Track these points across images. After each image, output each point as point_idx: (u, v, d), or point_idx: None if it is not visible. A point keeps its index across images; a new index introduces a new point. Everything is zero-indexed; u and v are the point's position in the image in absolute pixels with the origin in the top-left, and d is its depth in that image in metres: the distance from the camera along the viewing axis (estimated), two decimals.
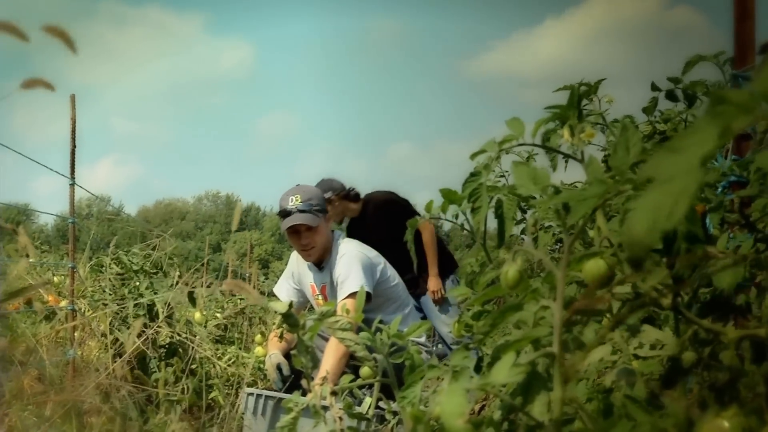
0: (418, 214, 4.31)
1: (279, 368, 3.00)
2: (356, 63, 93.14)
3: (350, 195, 4.17)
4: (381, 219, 4.14)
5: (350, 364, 2.78)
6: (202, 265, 4.03)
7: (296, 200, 3.04)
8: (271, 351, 3.10)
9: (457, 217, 1.24)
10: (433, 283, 4.18)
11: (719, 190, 1.31)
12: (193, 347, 3.40)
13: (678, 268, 0.83)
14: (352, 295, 2.93)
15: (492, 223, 1.06)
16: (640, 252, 0.51)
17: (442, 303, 4.22)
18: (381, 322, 1.45)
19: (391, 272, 3.21)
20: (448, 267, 4.35)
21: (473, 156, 1.05)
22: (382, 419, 1.82)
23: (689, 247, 0.84)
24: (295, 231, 3.06)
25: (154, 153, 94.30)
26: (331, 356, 2.77)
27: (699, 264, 0.85)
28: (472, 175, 1.05)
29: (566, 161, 1.22)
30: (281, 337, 2.15)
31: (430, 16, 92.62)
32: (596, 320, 0.91)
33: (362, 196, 4.32)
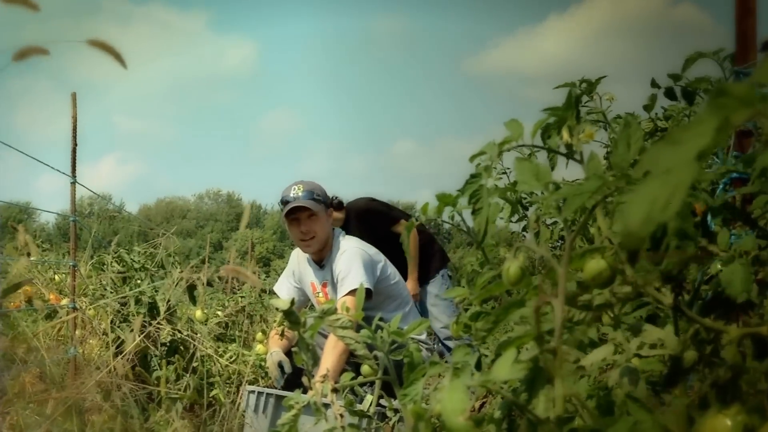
0: (403, 215, 4.40)
1: (280, 366, 3.01)
2: (358, 61, 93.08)
3: (333, 204, 4.23)
4: (363, 227, 4.19)
5: (352, 361, 2.78)
6: (203, 262, 4.02)
7: (298, 190, 3.07)
8: (272, 349, 3.11)
9: (453, 217, 1.24)
10: (411, 287, 4.32)
11: (721, 187, 1.30)
12: (194, 345, 3.40)
13: (667, 264, 0.83)
14: (353, 292, 2.92)
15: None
16: (635, 244, 0.51)
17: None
18: (381, 319, 1.45)
19: (392, 270, 3.21)
20: (438, 264, 4.44)
21: (472, 158, 1.05)
22: (383, 417, 1.82)
23: (680, 244, 0.83)
24: (295, 219, 3.07)
25: (156, 151, 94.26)
26: (330, 353, 2.77)
27: (690, 261, 0.85)
28: (473, 177, 1.05)
29: (567, 160, 1.22)
30: (282, 334, 2.15)
31: (433, 14, 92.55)
32: (597, 318, 0.90)
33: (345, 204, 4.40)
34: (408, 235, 1.28)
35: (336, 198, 4.27)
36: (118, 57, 0.90)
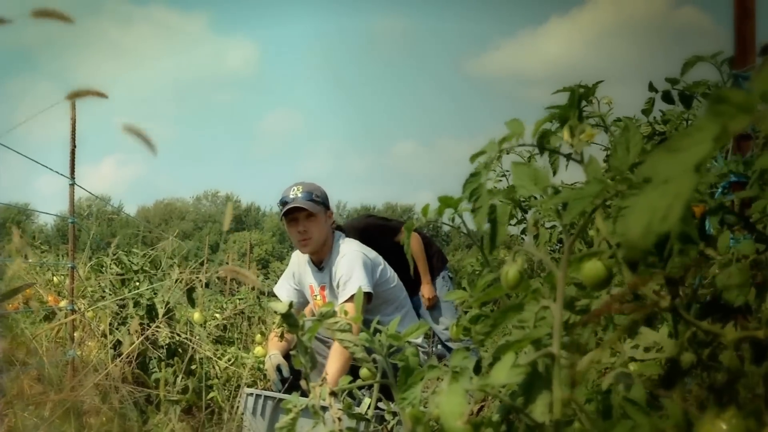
0: (401, 224, 4.43)
1: (278, 369, 3.00)
2: (359, 62, 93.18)
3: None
4: (365, 244, 4.23)
5: (351, 365, 2.78)
6: (201, 263, 4.03)
7: (297, 191, 3.08)
8: (271, 351, 3.10)
9: (453, 219, 1.24)
10: (427, 290, 4.41)
11: (719, 191, 1.30)
12: (192, 347, 3.39)
13: (670, 268, 0.83)
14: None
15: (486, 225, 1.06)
16: (636, 255, 0.51)
17: (434, 308, 4.43)
18: (379, 323, 1.44)
19: (391, 273, 3.21)
20: (438, 265, 4.49)
21: (473, 158, 1.05)
22: (381, 420, 1.82)
23: (682, 248, 0.83)
24: (293, 219, 3.08)
25: (157, 152, 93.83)
26: (335, 360, 2.77)
27: (693, 265, 0.85)
28: (472, 175, 1.05)
29: (567, 162, 1.21)
30: (281, 337, 2.14)
31: (435, 14, 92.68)
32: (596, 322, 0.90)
33: (350, 214, 4.47)
34: (408, 236, 1.28)
35: (334, 222, 4.31)
36: (148, 143, 0.91)
